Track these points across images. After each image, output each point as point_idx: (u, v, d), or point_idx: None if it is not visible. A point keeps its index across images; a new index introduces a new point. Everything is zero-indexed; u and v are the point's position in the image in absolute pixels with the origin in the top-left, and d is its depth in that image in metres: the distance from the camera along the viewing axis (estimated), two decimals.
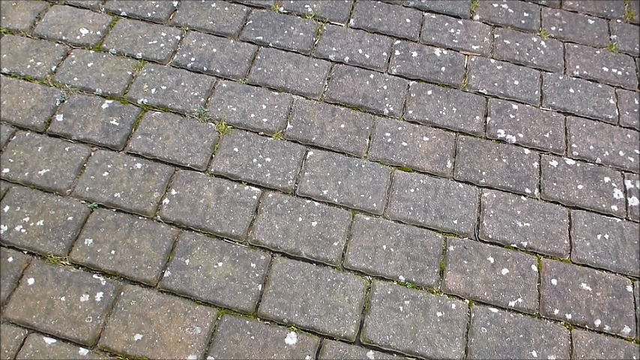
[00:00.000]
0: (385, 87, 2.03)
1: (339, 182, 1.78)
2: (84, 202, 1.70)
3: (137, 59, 2.04)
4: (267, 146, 1.85)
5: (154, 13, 2.18)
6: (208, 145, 1.83)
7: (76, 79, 1.97)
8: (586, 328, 1.57)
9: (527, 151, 1.90)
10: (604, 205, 1.80)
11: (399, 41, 2.18)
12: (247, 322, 1.52)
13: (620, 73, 2.15)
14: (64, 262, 1.59)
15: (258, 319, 1.53)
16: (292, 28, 2.18)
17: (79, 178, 1.74)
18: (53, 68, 1.99)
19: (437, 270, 1.64)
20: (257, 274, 1.59)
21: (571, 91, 2.08)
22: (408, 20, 2.24)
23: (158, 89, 1.96)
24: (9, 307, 1.50)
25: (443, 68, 2.10)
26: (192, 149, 1.82)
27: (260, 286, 1.58)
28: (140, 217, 1.68)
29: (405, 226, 1.71)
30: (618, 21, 2.33)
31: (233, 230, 1.66)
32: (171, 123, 1.88)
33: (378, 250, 1.65)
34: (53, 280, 1.55)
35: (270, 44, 2.12)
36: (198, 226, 1.67)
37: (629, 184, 1.85)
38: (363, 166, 1.82)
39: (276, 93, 1.99)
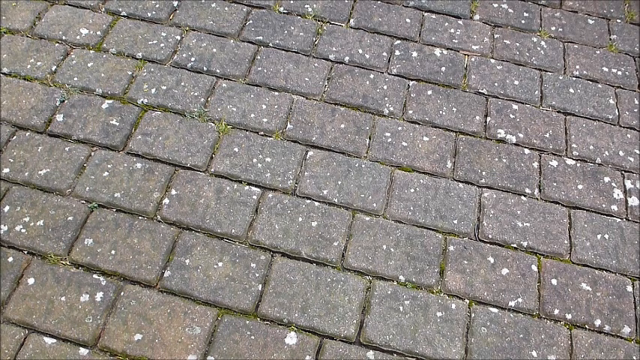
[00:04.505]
0: (385, 87, 2.03)
1: (339, 182, 1.78)
2: (84, 202, 1.70)
3: (137, 59, 2.04)
4: (267, 146, 1.85)
5: (154, 13, 2.18)
6: (208, 145, 1.83)
7: (76, 79, 1.97)
8: (586, 328, 1.57)
9: (527, 151, 1.90)
10: (604, 205, 1.80)
11: (399, 41, 2.18)
12: (247, 322, 1.52)
13: (620, 73, 2.15)
14: (64, 262, 1.59)
15: (258, 319, 1.53)
16: (292, 28, 2.18)
17: (79, 178, 1.74)
18: (53, 68, 1.99)
19: (437, 270, 1.64)
20: (257, 274, 1.59)
21: (571, 91, 2.08)
22: (408, 20, 2.24)
23: (158, 89, 1.96)
24: (9, 307, 1.50)
25: (443, 68, 2.10)
26: (192, 149, 1.82)
27: (260, 286, 1.58)
28: (140, 217, 1.68)
29: (405, 226, 1.71)
30: (618, 21, 2.33)
31: (233, 230, 1.66)
32: (171, 123, 1.88)
33: (378, 250, 1.65)
34: (53, 280, 1.55)
35: (270, 44, 2.12)
36: (198, 226, 1.67)
37: (629, 184, 1.85)
38: (363, 166, 1.82)
39: (276, 93, 1.99)
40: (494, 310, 1.58)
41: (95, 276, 1.57)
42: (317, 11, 2.24)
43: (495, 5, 2.33)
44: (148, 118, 1.89)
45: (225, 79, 2.01)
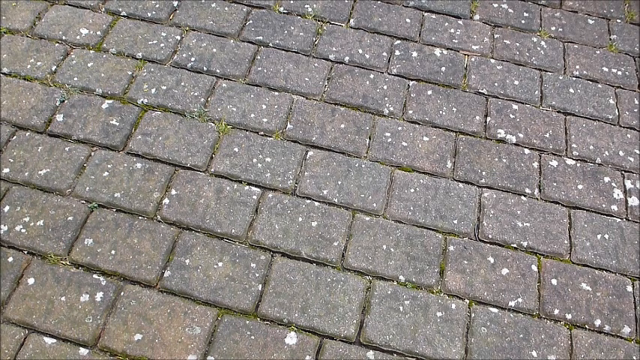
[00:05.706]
0: (385, 87, 2.03)
1: (339, 182, 1.78)
2: (84, 202, 1.70)
3: (137, 59, 2.04)
4: (267, 146, 1.85)
5: (154, 13, 2.18)
6: (208, 145, 1.83)
7: (76, 79, 1.97)
8: (586, 328, 1.57)
9: (527, 151, 1.90)
10: (604, 205, 1.80)
11: (399, 41, 2.18)
12: (247, 322, 1.52)
13: (620, 73, 2.15)
14: (64, 262, 1.59)
15: (258, 319, 1.53)
16: (292, 28, 2.18)
17: (79, 178, 1.74)
18: (53, 68, 1.99)
19: (437, 270, 1.64)
20: (257, 274, 1.59)
21: (571, 91, 2.08)
22: (408, 20, 2.24)
23: (158, 89, 1.96)
24: (9, 307, 1.50)
25: (443, 68, 2.10)
26: (192, 149, 1.82)
27: (260, 286, 1.58)
28: (140, 217, 1.68)
29: (405, 226, 1.71)
30: (618, 21, 2.33)
31: (233, 230, 1.66)
32: (171, 123, 1.88)
33: (378, 250, 1.65)
34: (53, 280, 1.55)
35: (270, 44, 2.12)
36: (198, 226, 1.67)
37: (629, 184, 1.85)
38: (363, 166, 1.82)
39: (276, 93, 1.99)
40: (494, 310, 1.58)
41: (95, 276, 1.57)
42: (317, 11, 2.24)
43: (495, 5, 2.33)
44: (148, 118, 1.89)
45: (225, 79, 2.01)
